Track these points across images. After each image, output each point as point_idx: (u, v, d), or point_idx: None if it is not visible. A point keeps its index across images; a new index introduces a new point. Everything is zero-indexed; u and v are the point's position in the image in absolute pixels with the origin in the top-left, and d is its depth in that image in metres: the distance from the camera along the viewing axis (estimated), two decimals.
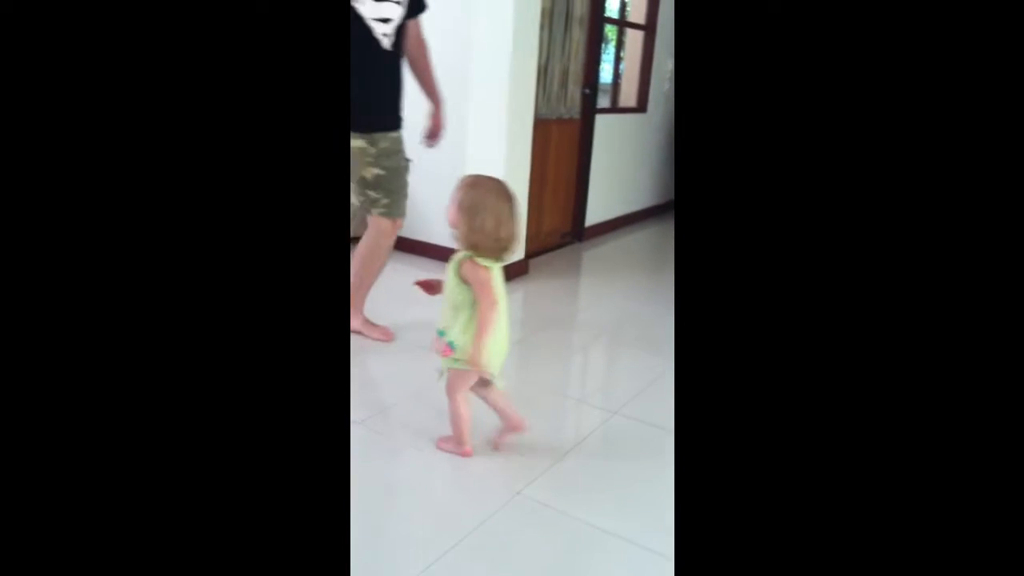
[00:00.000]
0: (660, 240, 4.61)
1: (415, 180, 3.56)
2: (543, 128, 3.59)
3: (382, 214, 2.42)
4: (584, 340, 2.84)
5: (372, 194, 2.38)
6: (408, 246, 3.66)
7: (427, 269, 3.43)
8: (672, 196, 5.36)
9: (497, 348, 1.69)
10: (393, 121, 2.37)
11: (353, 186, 2.36)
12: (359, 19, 2.17)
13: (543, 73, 3.50)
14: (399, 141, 2.39)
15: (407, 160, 2.45)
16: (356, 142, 2.28)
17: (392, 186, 2.40)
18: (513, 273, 3.40)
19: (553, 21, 3.50)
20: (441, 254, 3.53)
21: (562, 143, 3.87)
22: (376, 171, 2.35)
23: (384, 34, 2.22)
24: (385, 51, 2.25)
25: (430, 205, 3.53)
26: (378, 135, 2.33)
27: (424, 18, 3.40)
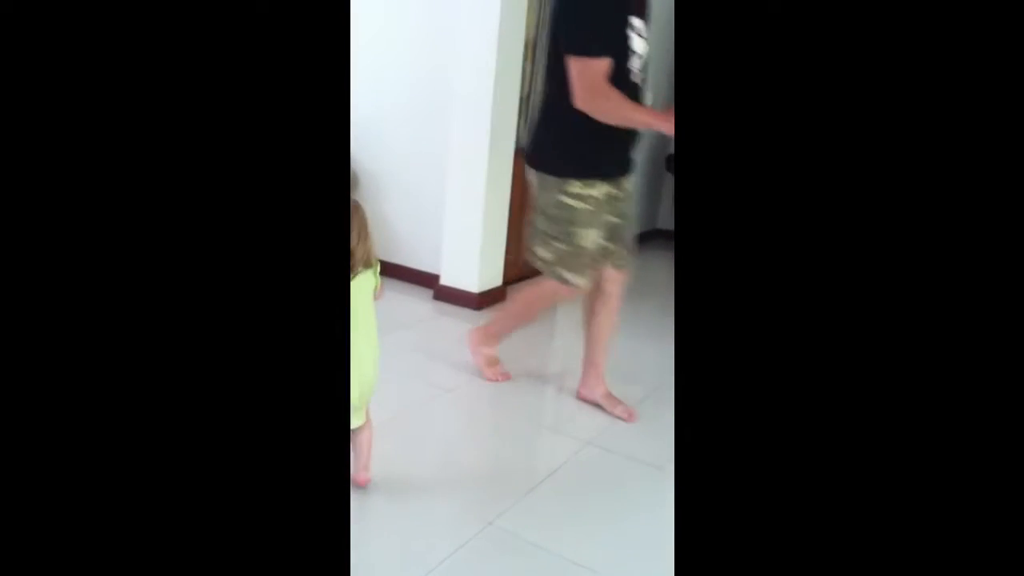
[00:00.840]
0: (639, 269, 4.63)
1: (394, 205, 3.58)
2: (523, 157, 3.62)
3: (619, 267, 2.26)
4: (558, 368, 2.85)
5: (609, 245, 2.18)
6: (386, 270, 3.65)
7: (405, 292, 3.42)
8: (650, 226, 5.42)
9: (354, 376, 1.56)
10: (633, 162, 2.22)
11: (590, 233, 2.12)
12: (625, 54, 1.98)
13: (525, 103, 3.55)
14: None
15: None
16: (603, 188, 2.09)
17: (626, 235, 2.24)
18: (491, 300, 3.41)
19: (536, 52, 3.55)
20: (420, 279, 3.53)
21: None
22: (614, 220, 2.17)
23: (637, 69, 2.05)
24: (636, 85, 2.06)
25: (409, 230, 3.55)
26: (625, 179, 2.18)
27: (411, 46, 3.45)
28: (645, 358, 2.88)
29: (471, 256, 3.30)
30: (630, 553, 1.60)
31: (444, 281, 3.39)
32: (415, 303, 3.32)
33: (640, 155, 4.98)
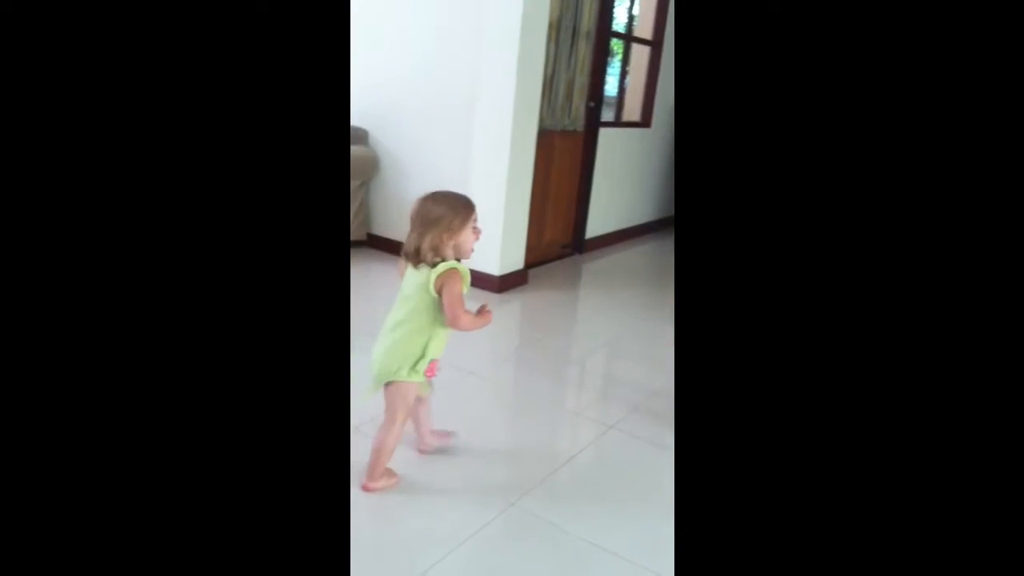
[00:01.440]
0: (660, 255, 4.61)
1: (415, 188, 3.57)
2: (547, 139, 3.60)
3: None
4: (581, 352, 2.84)
5: None
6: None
7: None
8: (667, 213, 5.37)
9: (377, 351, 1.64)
10: None
11: None
12: None
13: (549, 85, 3.51)
14: None
15: None
16: None
17: None
18: (512, 283, 3.40)
19: (560, 34, 3.51)
20: None
21: (565, 155, 3.88)
22: None
23: None
24: None
25: None
26: None
27: (434, 29, 3.42)
28: (666, 342, 2.86)
29: (493, 239, 3.28)
30: (652, 538, 1.59)
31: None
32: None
33: (658, 142, 4.95)
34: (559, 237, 4.05)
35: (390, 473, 1.71)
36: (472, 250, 1.62)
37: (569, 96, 3.73)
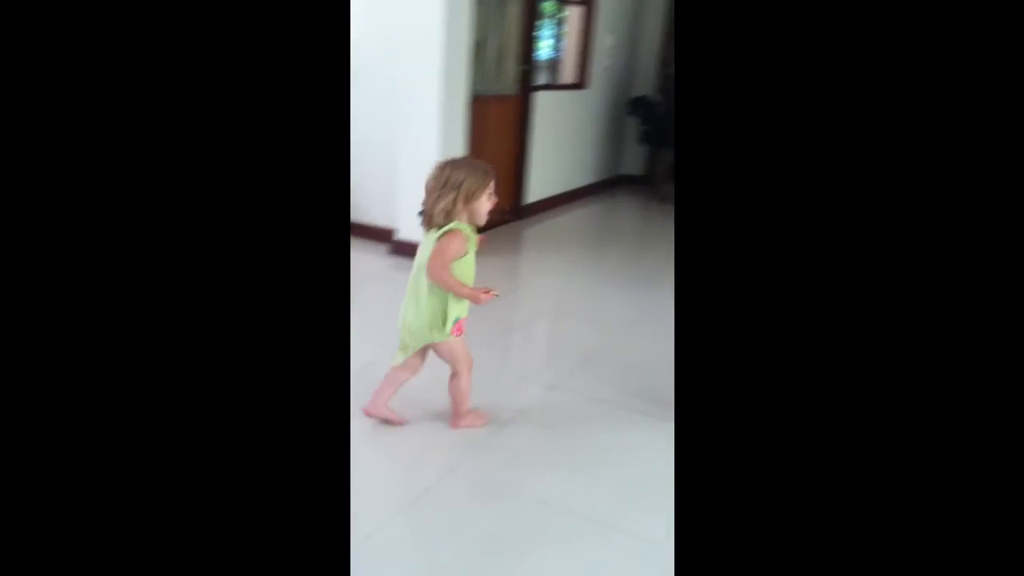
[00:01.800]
0: (601, 217, 4.63)
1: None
2: (480, 105, 3.55)
3: None
4: (524, 316, 2.84)
5: None
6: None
7: (359, 248, 3.36)
8: (615, 172, 5.38)
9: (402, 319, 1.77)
10: None
11: None
12: None
13: (480, 49, 3.45)
14: None
15: None
16: None
17: None
18: None
19: None
20: (374, 234, 3.46)
21: (500, 120, 3.84)
22: None
23: None
24: None
25: (362, 185, 3.45)
26: None
27: None
28: (608, 302, 2.89)
29: None
30: (600, 491, 1.61)
31: (402, 235, 3.33)
32: (372, 259, 3.27)
33: (603, 101, 4.92)
34: (498, 204, 4.01)
35: (477, 414, 1.85)
36: (486, 217, 1.67)
37: (501, 60, 3.68)
